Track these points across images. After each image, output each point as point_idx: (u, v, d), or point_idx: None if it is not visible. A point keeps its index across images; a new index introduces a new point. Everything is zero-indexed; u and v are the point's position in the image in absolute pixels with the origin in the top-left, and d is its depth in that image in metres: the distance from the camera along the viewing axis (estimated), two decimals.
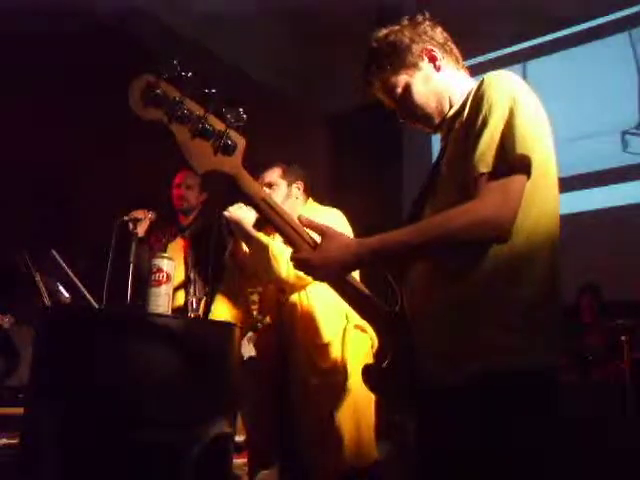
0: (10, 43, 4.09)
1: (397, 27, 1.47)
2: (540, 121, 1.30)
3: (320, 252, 1.35)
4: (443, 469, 1.28)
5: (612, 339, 4.22)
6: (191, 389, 1.64)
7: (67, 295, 2.47)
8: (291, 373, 2.36)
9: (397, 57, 1.44)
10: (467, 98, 1.37)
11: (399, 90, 1.45)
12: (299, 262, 1.38)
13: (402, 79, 1.44)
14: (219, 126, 1.32)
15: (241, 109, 1.32)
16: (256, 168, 2.21)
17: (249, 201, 1.41)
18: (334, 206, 2.52)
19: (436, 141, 1.54)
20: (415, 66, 1.44)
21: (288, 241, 1.43)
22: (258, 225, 2.39)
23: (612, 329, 4.25)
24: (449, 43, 1.49)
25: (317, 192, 2.67)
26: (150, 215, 2.93)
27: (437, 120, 1.47)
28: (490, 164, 1.22)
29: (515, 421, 1.20)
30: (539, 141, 1.27)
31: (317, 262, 1.34)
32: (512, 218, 1.21)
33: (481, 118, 1.26)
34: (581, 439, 3.58)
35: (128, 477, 1.55)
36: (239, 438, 3.82)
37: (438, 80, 1.45)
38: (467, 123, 1.32)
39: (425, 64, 1.45)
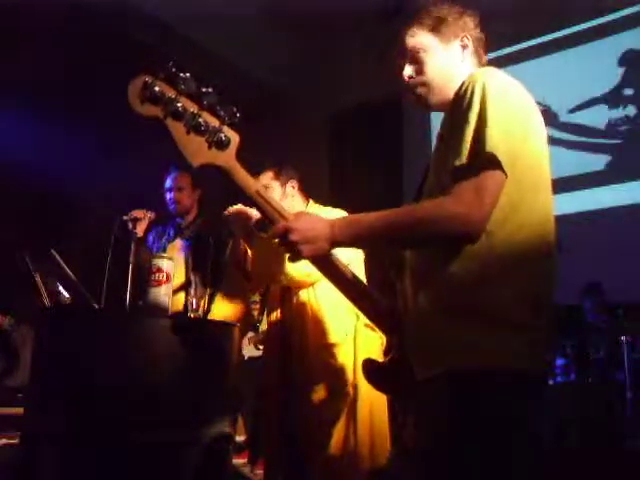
0: (10, 42, 4.09)
1: (456, 6, 1.49)
2: (525, 119, 1.28)
3: (296, 218, 1.34)
4: (423, 463, 1.27)
5: (613, 339, 4.22)
6: (191, 389, 1.64)
7: (67, 295, 2.46)
8: (300, 374, 2.32)
9: (439, 24, 1.45)
10: None
11: (421, 50, 1.45)
12: (277, 234, 1.33)
13: (430, 44, 1.45)
14: (213, 122, 1.37)
15: (235, 107, 1.38)
16: (253, 169, 2.21)
17: (242, 194, 1.44)
18: (334, 206, 2.51)
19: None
20: (447, 41, 1.46)
21: None
22: (259, 225, 2.39)
23: (613, 329, 4.26)
24: (481, 44, 1.51)
25: (317, 192, 2.67)
26: (150, 215, 2.92)
27: (433, 102, 1.47)
28: (465, 159, 1.22)
29: (491, 420, 1.19)
30: (522, 139, 1.25)
31: (294, 225, 1.30)
32: (484, 216, 1.20)
33: (459, 114, 1.26)
34: (581, 439, 3.59)
35: (128, 477, 1.55)
36: (239, 438, 3.82)
37: (455, 67, 1.46)
38: (449, 119, 1.33)
39: (455, 46, 1.46)
